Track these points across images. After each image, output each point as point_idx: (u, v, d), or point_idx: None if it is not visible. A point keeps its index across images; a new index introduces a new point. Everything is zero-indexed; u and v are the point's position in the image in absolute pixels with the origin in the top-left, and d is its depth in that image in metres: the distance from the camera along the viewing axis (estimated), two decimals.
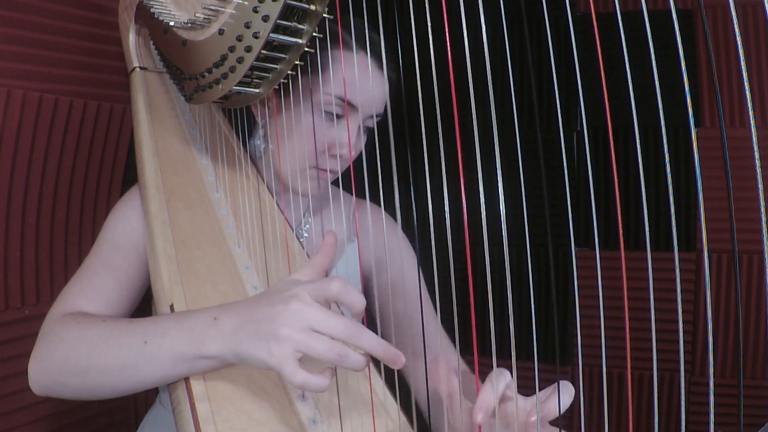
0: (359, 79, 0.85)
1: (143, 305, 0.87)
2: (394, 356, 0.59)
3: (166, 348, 0.65)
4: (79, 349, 0.70)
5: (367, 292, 1.02)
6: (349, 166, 0.90)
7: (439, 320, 0.86)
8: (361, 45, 0.85)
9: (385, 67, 0.88)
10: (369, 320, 1.01)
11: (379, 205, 1.05)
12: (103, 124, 1.14)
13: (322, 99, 0.84)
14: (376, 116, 0.90)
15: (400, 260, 1.00)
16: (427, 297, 0.98)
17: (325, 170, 0.89)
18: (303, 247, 0.89)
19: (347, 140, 0.87)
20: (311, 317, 0.58)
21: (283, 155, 0.89)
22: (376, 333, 0.91)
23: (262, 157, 0.95)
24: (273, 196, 0.92)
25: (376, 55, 0.86)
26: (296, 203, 0.98)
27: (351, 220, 1.03)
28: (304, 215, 0.99)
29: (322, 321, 0.58)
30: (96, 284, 0.79)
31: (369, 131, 0.93)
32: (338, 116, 0.86)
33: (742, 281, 1.56)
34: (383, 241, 1.01)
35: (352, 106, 0.85)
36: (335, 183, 0.99)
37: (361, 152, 0.92)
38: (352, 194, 1.05)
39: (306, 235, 0.98)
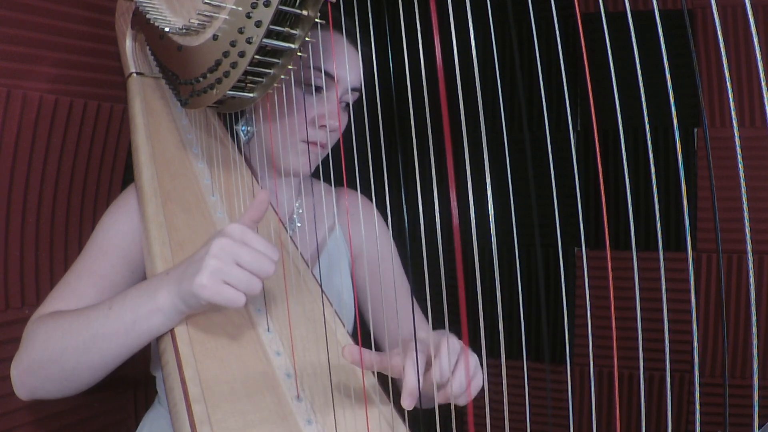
0: (335, 54, 0.89)
1: None
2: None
3: (127, 307, 0.70)
4: (54, 337, 0.73)
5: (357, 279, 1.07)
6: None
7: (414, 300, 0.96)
8: (334, 24, 0.89)
9: (356, 43, 0.93)
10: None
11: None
12: (103, 124, 1.14)
13: (302, 73, 0.87)
14: (352, 90, 0.94)
15: (385, 244, 1.05)
16: (405, 280, 1.05)
17: (315, 143, 0.92)
18: (297, 248, 0.90)
19: (332, 111, 0.90)
20: (238, 252, 0.66)
21: (273, 134, 0.92)
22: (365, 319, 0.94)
23: (249, 142, 0.97)
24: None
25: (348, 33, 0.91)
26: (288, 193, 1.00)
27: (337, 207, 1.06)
28: (296, 204, 1.01)
29: (247, 255, 0.66)
30: (77, 291, 0.80)
31: (350, 110, 0.97)
32: (320, 89, 0.90)
33: (734, 281, 1.56)
34: (365, 225, 1.05)
35: (331, 78, 0.89)
36: (318, 177, 1.02)
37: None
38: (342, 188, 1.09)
39: (299, 224, 1.00)
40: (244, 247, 0.66)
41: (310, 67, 0.86)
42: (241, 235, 0.67)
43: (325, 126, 0.90)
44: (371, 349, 0.71)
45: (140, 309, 0.69)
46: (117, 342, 0.70)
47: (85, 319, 0.72)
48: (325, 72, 0.88)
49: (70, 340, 0.72)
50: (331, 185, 1.07)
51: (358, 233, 1.04)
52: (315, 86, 0.89)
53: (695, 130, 1.57)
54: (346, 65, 0.91)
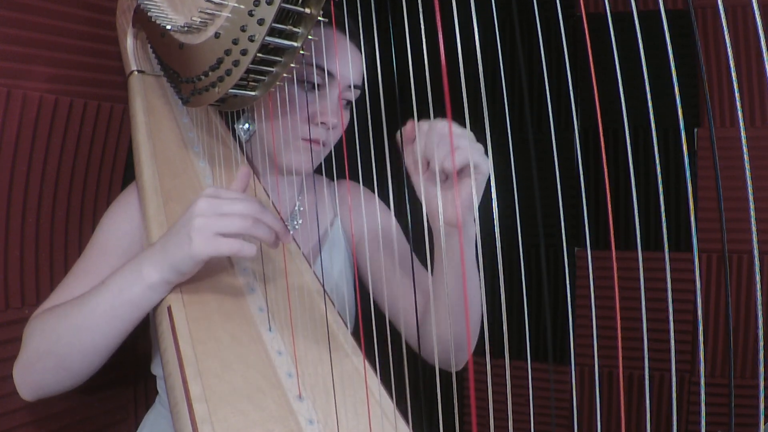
0: (333, 50, 0.89)
1: None
2: (282, 231, 0.74)
3: (115, 285, 0.72)
4: (48, 325, 0.74)
5: (360, 263, 1.06)
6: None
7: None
8: (331, 21, 0.89)
9: (358, 41, 0.93)
10: (362, 288, 1.03)
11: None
12: (103, 124, 1.14)
13: (304, 71, 0.87)
14: (354, 87, 0.93)
15: (386, 220, 1.04)
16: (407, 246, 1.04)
17: (315, 141, 0.91)
18: (299, 248, 0.89)
19: (331, 108, 0.90)
20: (218, 205, 0.69)
21: (271, 133, 0.92)
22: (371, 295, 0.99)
23: (250, 140, 0.97)
24: (269, 197, 0.93)
25: (349, 31, 0.91)
26: (290, 191, 1.00)
27: (337, 199, 1.07)
28: (297, 201, 1.01)
29: (228, 205, 0.69)
30: (75, 292, 0.80)
31: (352, 107, 0.96)
32: (318, 86, 0.90)
33: (734, 281, 1.56)
34: (366, 208, 1.03)
35: (331, 75, 0.89)
36: (320, 173, 1.02)
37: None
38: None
39: (300, 221, 0.99)
40: (221, 199, 0.70)
41: (311, 65, 0.86)
42: (214, 192, 0.71)
43: (324, 123, 0.90)
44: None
45: (125, 287, 0.71)
46: (104, 320, 0.72)
47: (77, 303, 0.74)
48: (323, 69, 0.88)
49: (64, 325, 0.73)
50: (331, 179, 1.07)
51: (359, 220, 1.03)
52: (314, 83, 0.89)
53: (695, 130, 1.57)
54: (348, 62, 0.90)
